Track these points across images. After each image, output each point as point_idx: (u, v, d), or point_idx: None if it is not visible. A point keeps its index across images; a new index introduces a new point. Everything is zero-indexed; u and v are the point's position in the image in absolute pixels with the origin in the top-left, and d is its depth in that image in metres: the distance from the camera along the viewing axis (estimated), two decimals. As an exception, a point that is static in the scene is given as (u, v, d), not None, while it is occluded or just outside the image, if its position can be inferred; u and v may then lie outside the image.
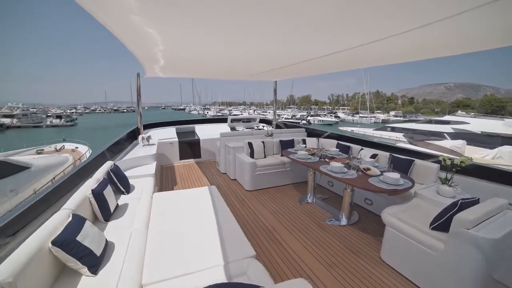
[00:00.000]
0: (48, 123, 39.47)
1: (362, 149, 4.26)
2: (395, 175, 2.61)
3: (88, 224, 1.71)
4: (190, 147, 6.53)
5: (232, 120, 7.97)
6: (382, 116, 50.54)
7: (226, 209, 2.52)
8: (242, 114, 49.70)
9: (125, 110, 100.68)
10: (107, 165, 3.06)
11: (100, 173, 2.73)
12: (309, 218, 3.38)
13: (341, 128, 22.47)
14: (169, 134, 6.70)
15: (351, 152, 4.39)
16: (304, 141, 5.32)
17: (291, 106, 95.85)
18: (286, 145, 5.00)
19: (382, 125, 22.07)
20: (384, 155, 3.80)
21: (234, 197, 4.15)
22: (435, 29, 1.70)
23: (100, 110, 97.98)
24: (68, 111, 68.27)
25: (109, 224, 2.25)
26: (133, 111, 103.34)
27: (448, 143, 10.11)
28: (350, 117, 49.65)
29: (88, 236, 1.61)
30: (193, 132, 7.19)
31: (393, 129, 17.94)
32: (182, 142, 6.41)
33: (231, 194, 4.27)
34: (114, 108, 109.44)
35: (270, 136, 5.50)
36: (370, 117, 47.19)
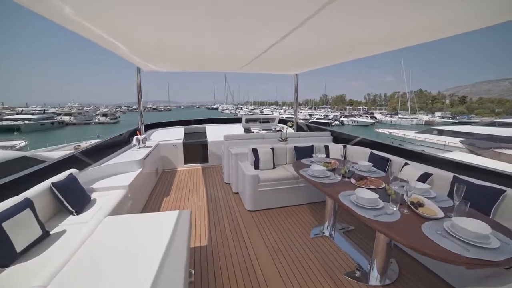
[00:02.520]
0: (96, 120, 43.84)
1: (406, 163, 3.03)
2: (479, 225, 1.43)
3: None
4: (196, 150, 5.85)
5: (247, 120, 7.09)
6: (425, 117, 44.92)
7: (181, 254, 1.67)
8: (273, 113, 48.52)
9: (162, 109, 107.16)
10: (59, 176, 2.43)
11: (34, 190, 2.09)
12: (320, 265, 2.33)
13: (377, 130, 20.10)
14: (177, 134, 6.11)
15: (390, 168, 3.19)
16: (326, 149, 4.20)
17: (324, 106, 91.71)
18: (301, 154, 3.95)
19: (426, 128, 19.10)
20: (443, 176, 2.54)
21: (228, 218, 3.27)
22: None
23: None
24: (114, 109, 75.22)
25: (4, 273, 1.54)
26: (170, 110, 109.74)
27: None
28: (388, 118, 44.81)
29: None
30: (203, 133, 6.48)
31: (441, 132, 15.25)
32: (188, 144, 5.75)
33: (226, 214, 3.40)
34: (153, 107, 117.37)
35: (284, 141, 4.50)
36: (411, 118, 42.07)
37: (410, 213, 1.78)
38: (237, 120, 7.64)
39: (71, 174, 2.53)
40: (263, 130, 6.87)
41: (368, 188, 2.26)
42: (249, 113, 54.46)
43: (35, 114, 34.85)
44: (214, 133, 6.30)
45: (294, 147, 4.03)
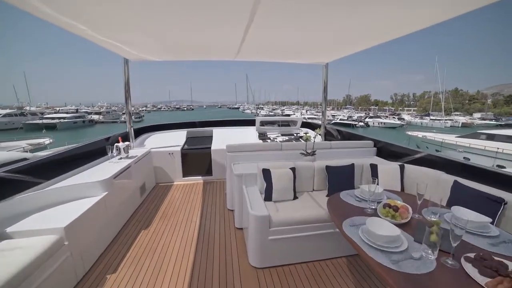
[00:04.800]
0: (122, 119, 45.71)
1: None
2: None
3: None
4: (198, 159, 4.75)
5: (263, 123, 5.83)
6: (461, 119, 39.93)
7: None
8: (294, 114, 46.52)
9: (185, 108, 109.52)
10: None
11: None
12: None
13: (409, 133, 17.50)
14: (177, 140, 5.06)
15: (504, 217, 1.76)
16: (374, 170, 2.81)
17: (348, 106, 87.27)
18: (337, 178, 2.64)
19: (466, 131, 16.17)
20: None
21: (220, 278, 2.07)
22: None
23: (164, 109, 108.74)
24: (140, 109, 78.44)
25: None
26: (192, 109, 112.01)
27: None
28: (418, 120, 40.29)
29: None
30: (209, 138, 5.36)
31: (491, 137, 12.51)
32: (188, 152, 4.67)
33: (219, 268, 2.20)
34: (176, 106, 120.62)
35: (310, 156, 3.19)
36: (445, 120, 37.57)
37: None
38: (253, 122, 6.40)
39: None
40: (282, 135, 5.60)
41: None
42: (270, 113, 52.91)
43: (69, 113, 36.99)
44: (222, 138, 5.16)
45: (326, 167, 2.72)
